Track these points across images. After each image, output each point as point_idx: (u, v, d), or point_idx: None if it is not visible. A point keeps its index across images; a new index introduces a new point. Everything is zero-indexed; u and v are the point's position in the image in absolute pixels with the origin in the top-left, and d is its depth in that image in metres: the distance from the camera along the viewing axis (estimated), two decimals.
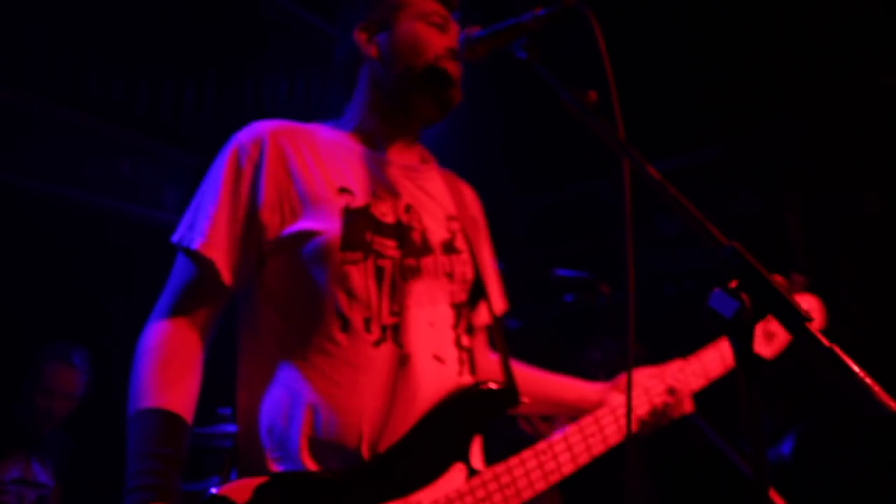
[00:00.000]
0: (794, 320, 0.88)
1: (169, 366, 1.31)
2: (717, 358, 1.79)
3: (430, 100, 1.54)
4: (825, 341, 0.86)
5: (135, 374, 1.31)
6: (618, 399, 1.64)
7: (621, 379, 1.71)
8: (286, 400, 1.33)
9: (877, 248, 4.58)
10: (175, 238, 1.39)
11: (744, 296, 0.91)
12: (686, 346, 1.83)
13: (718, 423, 2.86)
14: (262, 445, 1.33)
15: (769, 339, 1.90)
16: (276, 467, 1.31)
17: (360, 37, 1.57)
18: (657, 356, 1.79)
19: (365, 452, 1.29)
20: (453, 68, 1.53)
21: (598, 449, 1.54)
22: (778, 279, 1.78)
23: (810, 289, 1.93)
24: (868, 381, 0.82)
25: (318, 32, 5.16)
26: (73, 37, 3.96)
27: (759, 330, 1.79)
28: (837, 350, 0.86)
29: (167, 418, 1.25)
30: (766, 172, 5.06)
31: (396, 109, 1.56)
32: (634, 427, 1.66)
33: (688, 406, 1.73)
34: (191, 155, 4.44)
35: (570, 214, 5.81)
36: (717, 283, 0.95)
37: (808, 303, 1.92)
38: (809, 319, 0.88)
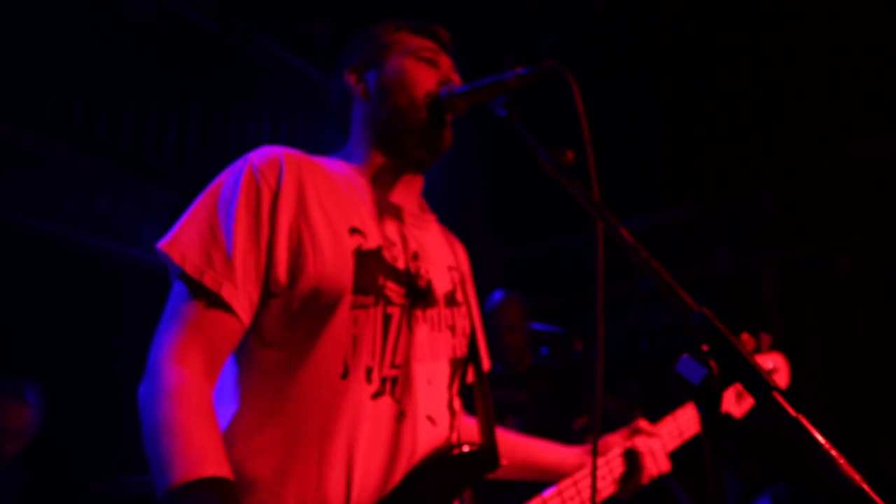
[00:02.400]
0: (761, 388, 0.88)
1: (212, 424, 1.16)
2: (692, 417, 1.79)
3: (416, 139, 1.46)
4: (791, 411, 0.86)
5: (172, 427, 1.12)
6: (599, 463, 1.62)
7: (600, 441, 1.69)
8: (277, 452, 1.23)
9: (846, 308, 4.64)
10: (188, 268, 1.22)
11: (712, 362, 0.91)
12: (661, 401, 1.83)
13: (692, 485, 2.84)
14: (243, 497, 1.20)
15: (739, 398, 1.91)
16: None
17: (350, 77, 1.53)
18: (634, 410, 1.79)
19: None
20: (442, 109, 1.46)
21: None
22: (746, 338, 1.81)
23: (776, 347, 1.96)
24: (833, 453, 0.82)
25: (304, 77, 5.22)
26: (60, 71, 3.97)
27: (729, 389, 1.81)
28: (803, 420, 0.85)
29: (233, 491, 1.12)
30: (742, 233, 5.14)
31: (388, 149, 1.48)
32: (614, 488, 1.64)
33: (664, 465, 1.71)
34: (171, 193, 4.43)
35: (547, 268, 5.84)
36: (685, 348, 0.95)
37: (774, 361, 1.95)
38: (776, 388, 0.88)
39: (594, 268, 1.20)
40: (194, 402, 1.15)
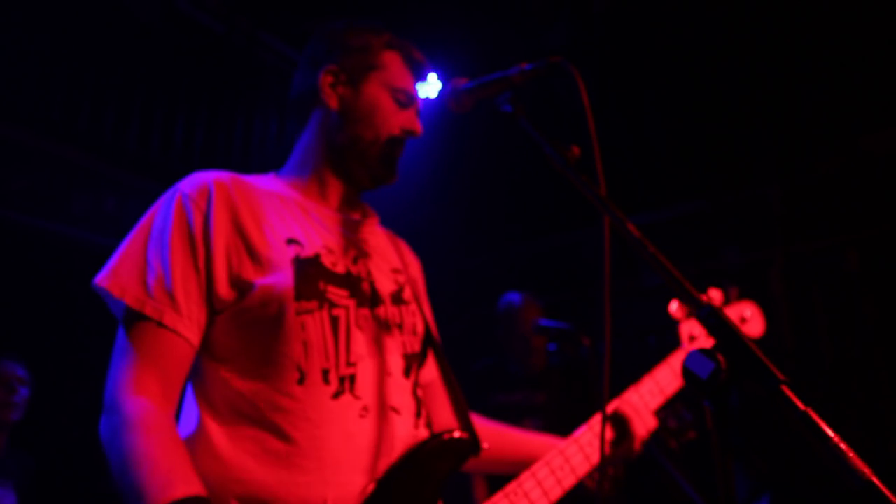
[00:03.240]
0: (771, 382, 0.88)
1: (176, 446, 1.19)
2: (669, 374, 1.85)
3: (365, 171, 1.51)
4: (801, 404, 0.86)
5: (137, 456, 1.14)
6: (580, 432, 1.65)
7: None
8: (244, 465, 1.24)
9: (855, 305, 4.62)
10: (128, 300, 1.26)
11: (720, 357, 0.91)
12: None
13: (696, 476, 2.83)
14: None
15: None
16: None
17: (324, 79, 1.52)
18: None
19: None
20: (398, 151, 1.52)
21: (570, 482, 1.54)
22: (713, 292, 1.83)
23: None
24: (842, 446, 0.81)
25: None
26: (66, 71, 3.98)
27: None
28: (812, 414, 0.85)
29: None
30: (750, 227, 5.12)
31: (337, 165, 1.52)
32: (608, 450, 1.68)
33: (650, 423, 1.74)
34: None
35: (556, 264, 5.83)
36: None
37: (746, 309, 1.97)
38: (786, 381, 0.88)
39: (601, 263, 1.20)
40: (155, 428, 1.18)
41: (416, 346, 1.49)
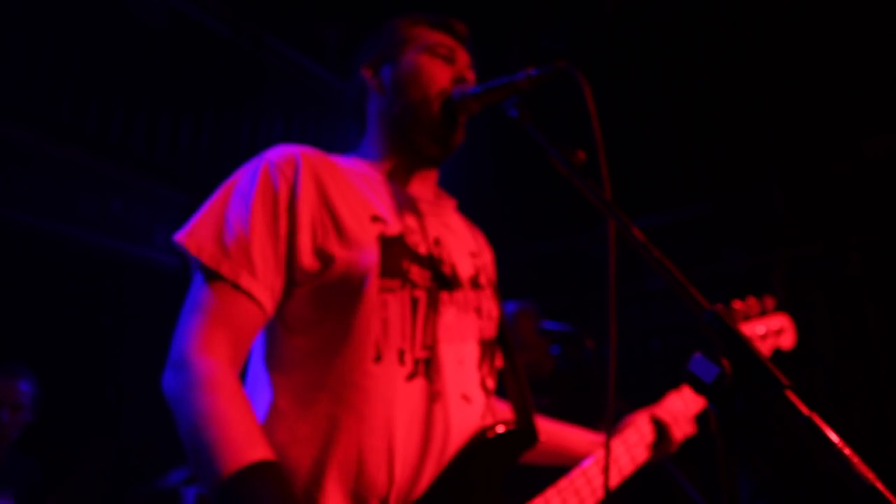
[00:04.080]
0: (774, 387, 0.89)
1: (249, 411, 1.17)
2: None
3: (427, 136, 1.48)
4: (804, 409, 0.87)
5: (212, 416, 1.12)
6: (628, 432, 1.68)
7: (630, 417, 1.74)
8: (316, 440, 1.24)
9: (858, 309, 4.62)
10: (204, 258, 1.24)
11: (724, 361, 0.92)
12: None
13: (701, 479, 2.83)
14: None
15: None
16: None
17: (366, 72, 1.56)
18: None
19: (393, 499, 1.22)
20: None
21: (615, 481, 1.59)
22: (751, 301, 1.81)
23: (781, 308, 1.96)
24: (846, 451, 0.82)
25: (315, 79, 5.24)
26: (74, 73, 4.00)
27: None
28: (816, 418, 0.86)
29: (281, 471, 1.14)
30: (752, 230, 5.12)
31: (401, 144, 1.51)
32: (648, 454, 1.69)
33: (689, 428, 1.75)
34: (184, 195, 4.45)
35: (558, 267, 5.83)
36: (697, 347, 0.95)
37: (779, 322, 1.95)
38: (789, 386, 0.89)
39: (605, 267, 1.21)
40: (229, 390, 1.16)
41: (493, 332, 1.49)
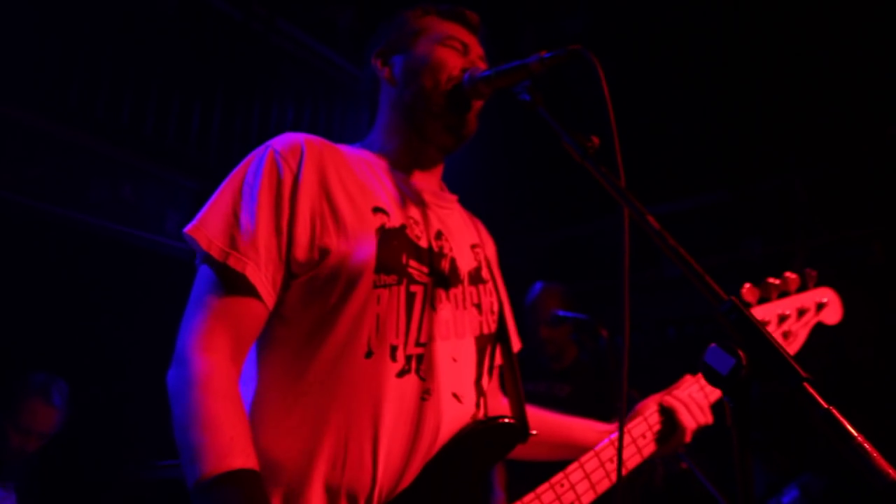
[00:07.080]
0: (793, 379, 0.86)
1: (240, 413, 1.18)
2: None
3: (438, 123, 1.47)
4: (823, 402, 0.84)
5: (201, 417, 1.14)
6: (635, 423, 1.59)
7: (641, 404, 1.66)
8: (304, 432, 1.24)
9: (881, 297, 4.55)
10: (213, 251, 1.24)
11: (740, 352, 0.89)
12: None
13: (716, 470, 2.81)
14: (270, 481, 1.21)
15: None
16: None
17: (376, 61, 1.56)
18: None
19: (376, 497, 1.22)
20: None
21: (615, 476, 1.50)
22: (791, 276, 1.72)
23: (823, 282, 1.86)
24: (865, 445, 0.79)
25: (327, 62, 5.22)
26: (83, 57, 4.00)
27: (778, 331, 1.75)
28: (835, 411, 0.83)
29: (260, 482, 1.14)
30: (773, 219, 5.06)
31: (412, 134, 1.50)
32: (654, 447, 1.59)
33: (701, 418, 1.64)
34: (194, 180, 4.45)
35: (573, 255, 5.80)
36: (713, 337, 0.93)
37: (824, 295, 1.83)
38: (808, 378, 0.86)
39: (620, 255, 1.19)
40: (223, 392, 1.18)
41: (493, 326, 1.49)
